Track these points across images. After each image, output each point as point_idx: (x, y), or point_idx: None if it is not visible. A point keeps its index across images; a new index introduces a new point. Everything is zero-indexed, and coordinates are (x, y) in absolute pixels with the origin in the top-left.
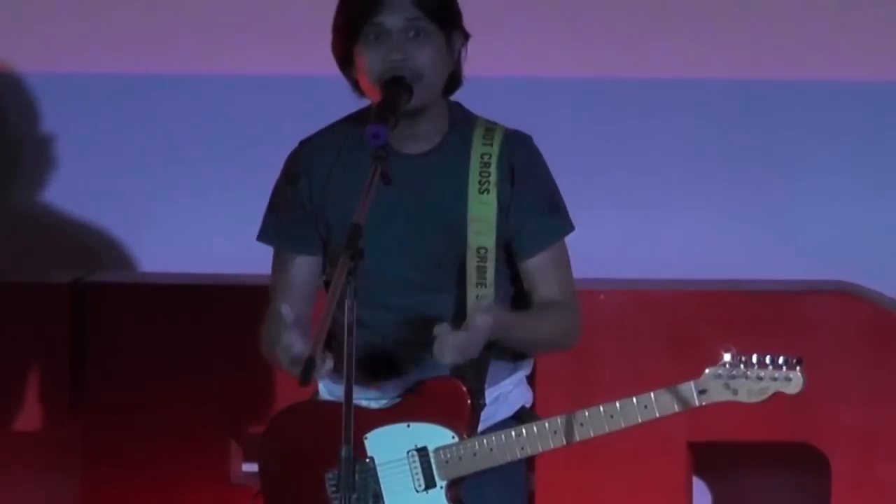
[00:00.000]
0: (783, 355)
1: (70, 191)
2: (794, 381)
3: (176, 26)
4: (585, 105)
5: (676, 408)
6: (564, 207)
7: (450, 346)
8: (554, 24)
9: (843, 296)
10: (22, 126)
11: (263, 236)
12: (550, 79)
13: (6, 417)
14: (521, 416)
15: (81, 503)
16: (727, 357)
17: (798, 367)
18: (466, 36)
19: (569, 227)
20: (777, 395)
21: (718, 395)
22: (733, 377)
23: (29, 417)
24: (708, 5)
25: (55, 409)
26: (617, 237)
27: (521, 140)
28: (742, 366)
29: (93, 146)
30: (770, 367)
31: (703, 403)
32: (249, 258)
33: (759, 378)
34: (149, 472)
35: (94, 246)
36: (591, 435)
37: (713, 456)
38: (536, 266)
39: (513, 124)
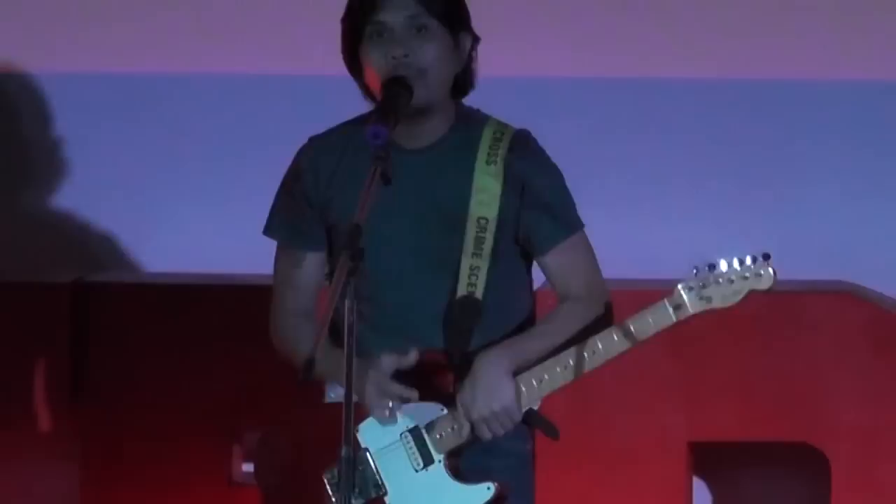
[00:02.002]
0: (750, 255)
1: (70, 190)
2: (764, 276)
3: (176, 26)
4: (585, 105)
5: (655, 329)
6: (572, 206)
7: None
8: (554, 24)
9: (844, 296)
10: (22, 126)
11: (269, 230)
12: (550, 79)
13: (7, 416)
14: (529, 419)
15: (81, 502)
16: (695, 269)
17: (767, 262)
18: (476, 38)
19: (575, 226)
20: (751, 294)
21: (694, 306)
22: (704, 286)
23: (29, 417)
24: (708, 5)
25: (55, 408)
26: (617, 237)
27: (527, 141)
28: (711, 274)
29: (93, 146)
30: (739, 268)
31: (681, 318)
32: (249, 258)
33: (731, 281)
34: (149, 472)
35: (94, 246)
36: (579, 374)
37: (713, 456)
38: (551, 263)
39: (513, 124)
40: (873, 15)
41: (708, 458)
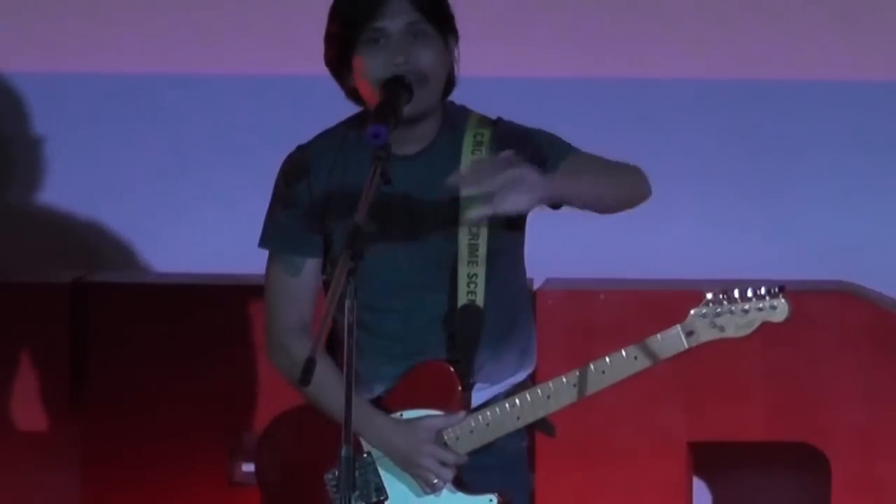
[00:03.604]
0: (764, 285)
1: (70, 191)
2: (779, 309)
3: (176, 26)
4: (585, 105)
5: (667, 354)
6: (567, 143)
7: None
8: (554, 24)
9: (844, 296)
10: (22, 126)
11: (263, 241)
12: (550, 79)
13: (6, 417)
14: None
15: (81, 502)
16: (709, 296)
17: (781, 295)
18: (457, 38)
19: (574, 148)
20: (765, 325)
21: (706, 334)
22: (718, 314)
23: (29, 417)
24: (708, 5)
25: (55, 409)
26: (617, 237)
27: (507, 127)
28: (726, 301)
29: (93, 146)
30: (754, 299)
31: (693, 345)
32: (249, 258)
33: (745, 311)
34: (149, 472)
35: (94, 246)
36: (587, 393)
37: (713, 456)
38: (568, 166)
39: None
40: (873, 15)
41: (708, 458)
